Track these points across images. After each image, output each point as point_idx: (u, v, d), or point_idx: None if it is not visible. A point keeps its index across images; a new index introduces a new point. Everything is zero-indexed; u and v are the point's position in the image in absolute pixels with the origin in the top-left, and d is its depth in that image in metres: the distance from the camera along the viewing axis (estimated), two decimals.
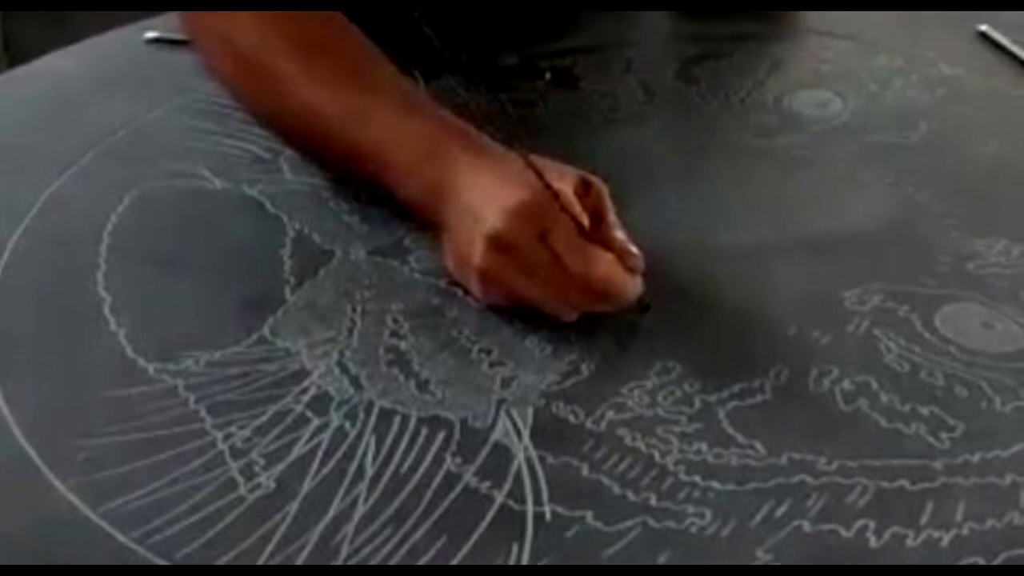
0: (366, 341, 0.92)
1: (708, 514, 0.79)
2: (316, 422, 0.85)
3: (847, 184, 1.11)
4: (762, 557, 0.76)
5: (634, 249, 0.92)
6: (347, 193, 1.08)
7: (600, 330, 0.93)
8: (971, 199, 1.09)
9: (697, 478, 0.81)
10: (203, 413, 0.86)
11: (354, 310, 0.95)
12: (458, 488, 0.81)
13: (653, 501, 0.80)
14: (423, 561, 0.76)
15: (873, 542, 0.77)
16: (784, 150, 1.16)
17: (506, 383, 0.89)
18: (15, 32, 2.37)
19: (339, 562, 0.76)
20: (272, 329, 0.93)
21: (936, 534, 0.77)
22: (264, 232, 1.04)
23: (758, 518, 0.79)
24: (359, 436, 0.84)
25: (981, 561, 0.76)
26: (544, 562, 0.76)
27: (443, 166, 0.98)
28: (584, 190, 0.95)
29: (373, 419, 0.86)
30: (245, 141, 1.15)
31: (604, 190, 0.95)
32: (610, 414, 0.86)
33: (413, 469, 0.82)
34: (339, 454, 0.83)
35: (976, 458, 0.83)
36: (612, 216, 0.94)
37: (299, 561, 0.76)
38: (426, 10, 1.26)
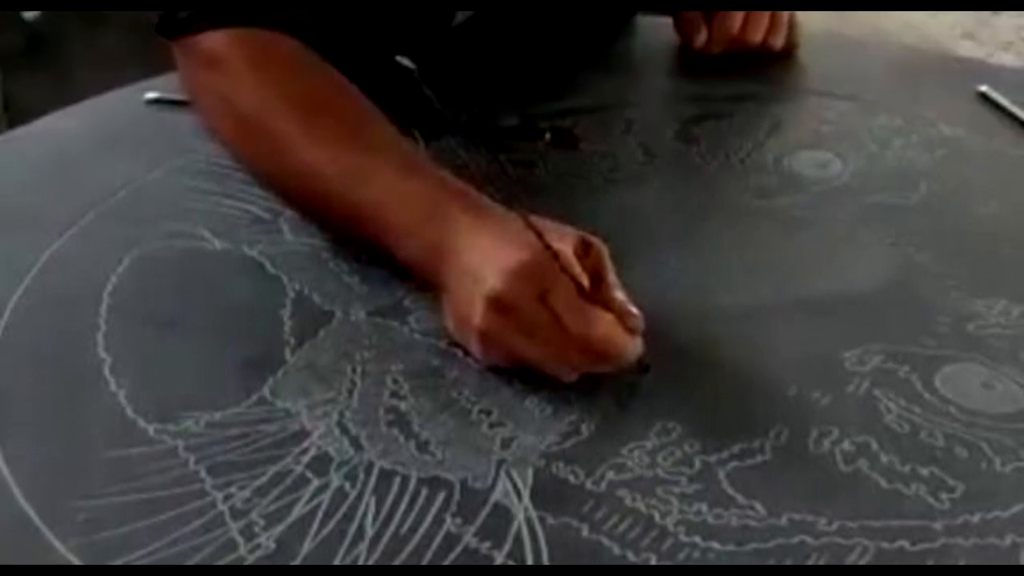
0: (366, 402, 0.94)
1: None
2: (316, 483, 0.86)
3: (847, 245, 1.13)
4: None
5: (634, 309, 0.94)
6: (347, 253, 1.09)
7: (600, 390, 0.94)
8: (971, 260, 1.10)
9: (697, 539, 0.82)
10: (203, 474, 0.87)
11: (354, 371, 0.97)
12: (458, 549, 0.82)
13: (653, 562, 0.81)
14: None
15: None
16: (784, 210, 1.18)
17: (506, 443, 0.90)
18: (16, 92, 2.39)
19: None
20: (272, 389, 0.95)
21: None
22: (264, 292, 1.05)
23: None
24: (359, 497, 0.85)
25: None
26: None
27: (443, 227, 1.00)
28: (584, 250, 0.96)
29: (373, 480, 0.87)
30: (245, 201, 1.16)
31: (604, 250, 0.97)
32: (610, 474, 0.87)
33: (413, 530, 0.83)
34: (339, 515, 0.84)
35: (976, 519, 0.84)
36: (612, 276, 0.96)
37: None
38: (426, 71, 1.28)
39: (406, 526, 0.83)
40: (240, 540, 0.82)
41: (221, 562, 0.80)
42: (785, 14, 1.46)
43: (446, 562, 0.81)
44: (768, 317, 1.03)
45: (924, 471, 0.87)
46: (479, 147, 1.26)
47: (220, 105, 1.15)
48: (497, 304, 0.93)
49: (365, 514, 0.84)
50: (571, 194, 1.19)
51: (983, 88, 1.38)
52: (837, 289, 1.07)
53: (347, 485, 0.86)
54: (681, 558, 0.81)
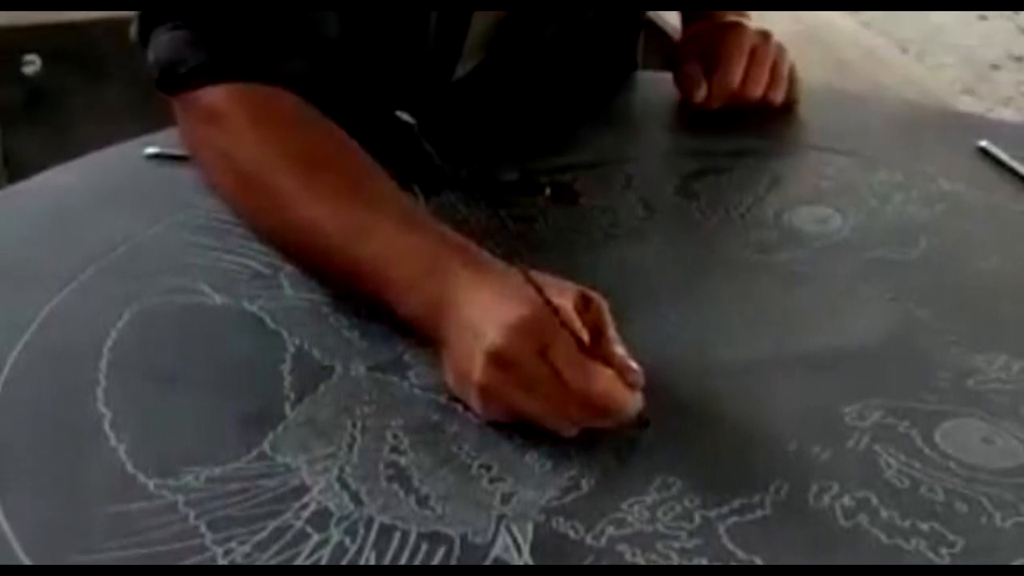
0: (366, 457, 0.95)
1: None
2: (316, 538, 0.87)
3: (847, 300, 1.14)
4: None
5: (634, 365, 0.95)
6: (347, 309, 1.10)
7: (600, 445, 0.95)
8: (971, 315, 1.12)
9: None
10: (203, 529, 0.88)
11: (354, 426, 0.98)
12: None
13: None
14: None
15: None
16: (784, 266, 1.19)
17: (506, 499, 0.91)
18: (15, 146, 2.41)
19: None
20: (272, 445, 0.96)
21: None
22: (264, 348, 1.06)
23: None
24: (359, 552, 0.86)
25: None
26: None
27: (443, 282, 1.01)
28: (584, 306, 0.97)
29: (373, 535, 0.88)
30: (245, 257, 1.18)
31: (604, 306, 0.98)
32: (610, 530, 0.88)
33: None
34: None
35: None
36: (612, 331, 0.97)
37: None
38: (426, 126, 1.29)
39: None
40: None
41: None
42: (785, 69, 1.47)
43: None
44: (768, 372, 1.04)
45: (924, 526, 0.88)
46: (479, 202, 1.27)
47: (220, 160, 1.16)
48: (497, 359, 0.94)
49: None
50: (571, 249, 1.21)
51: (983, 143, 1.39)
52: (837, 344, 1.08)
53: (347, 540, 0.87)
54: None
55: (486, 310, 0.97)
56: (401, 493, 0.91)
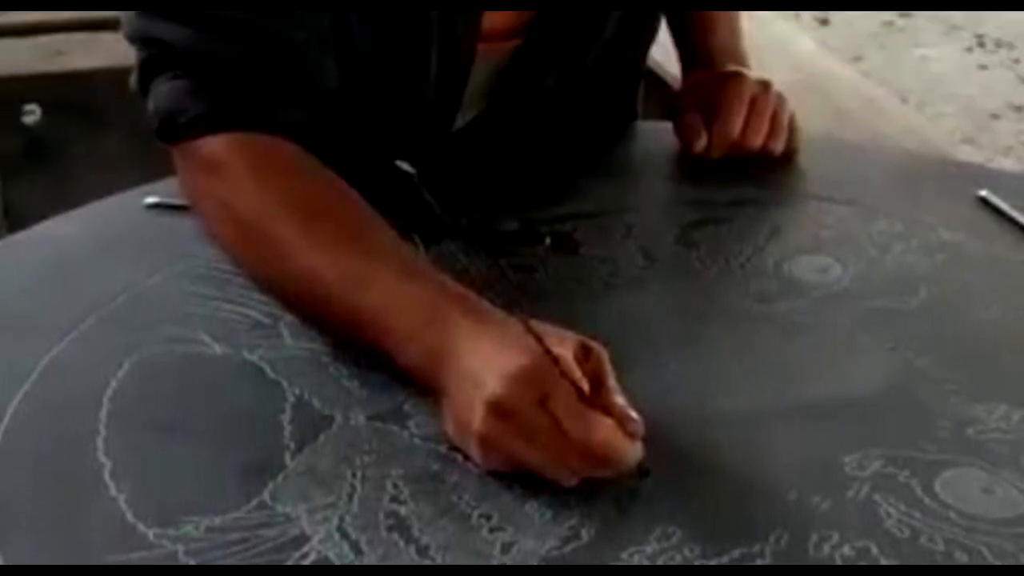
0: (366, 506, 0.95)
1: None
2: None
3: (847, 350, 1.15)
4: None
5: (634, 414, 0.96)
6: (347, 358, 1.11)
7: (600, 495, 0.96)
8: (971, 364, 1.12)
9: None
10: None
11: (354, 475, 0.98)
12: None
13: None
14: None
15: None
16: (784, 315, 1.20)
17: (506, 548, 0.92)
18: (15, 196, 2.42)
19: None
20: (272, 494, 0.96)
21: None
22: (264, 397, 1.07)
23: None
24: None
25: None
26: None
27: (443, 331, 1.02)
28: (584, 355, 0.98)
29: None
30: (245, 306, 1.18)
31: (604, 355, 0.99)
32: None
33: None
34: None
35: None
36: (612, 381, 0.98)
37: None
38: (426, 175, 1.30)
39: None
40: None
41: None
42: (785, 119, 1.48)
43: None
44: (768, 422, 1.05)
45: None
46: (479, 252, 1.28)
47: (220, 209, 1.17)
48: (497, 409, 0.95)
49: None
50: (571, 299, 1.22)
51: (983, 193, 1.40)
52: (837, 394, 1.09)
53: None
54: None
55: (486, 360, 0.98)
56: (401, 543, 0.92)
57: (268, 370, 1.11)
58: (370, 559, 0.90)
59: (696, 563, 0.90)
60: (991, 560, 0.90)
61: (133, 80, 1.22)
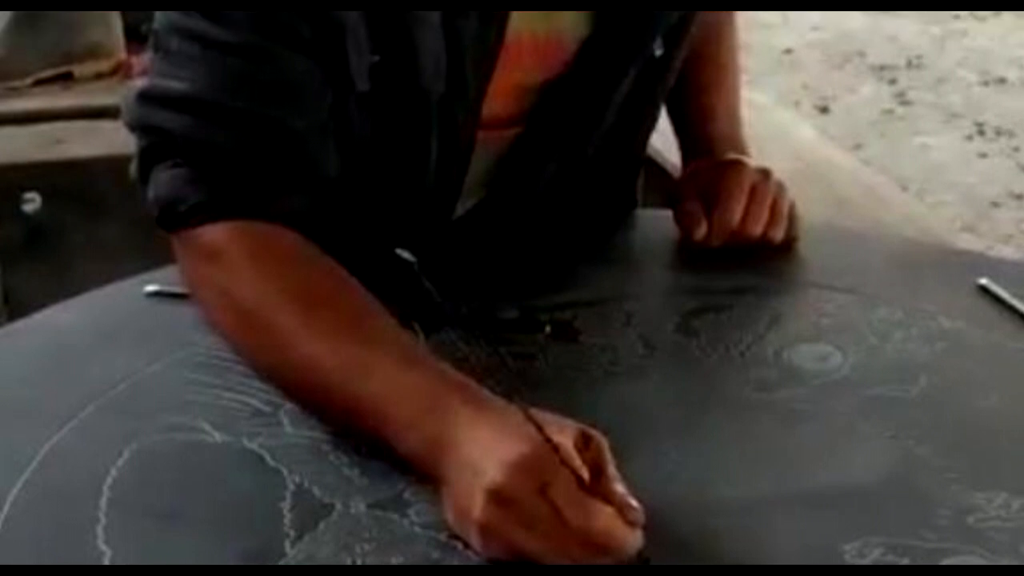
0: None
1: None
2: None
3: (847, 438, 1.16)
4: None
5: (634, 502, 0.96)
6: (347, 446, 1.12)
7: None
8: (971, 453, 1.13)
9: None
10: None
11: (354, 563, 0.99)
12: None
13: None
14: None
15: None
16: (784, 404, 1.21)
17: None
18: (15, 285, 2.43)
19: None
20: None
21: None
22: (264, 485, 1.08)
23: None
24: None
25: None
26: None
27: (443, 420, 1.03)
28: (584, 443, 0.99)
29: None
30: (245, 394, 1.19)
31: (604, 443, 1.00)
32: None
33: None
34: None
35: None
36: (612, 469, 0.99)
37: None
38: (426, 263, 1.31)
39: None
40: None
41: None
42: (785, 207, 1.49)
43: None
44: (768, 510, 1.06)
45: None
46: (479, 340, 1.29)
47: (220, 298, 1.18)
48: (497, 497, 0.96)
49: None
50: (571, 387, 1.23)
51: (983, 281, 1.41)
52: (837, 482, 1.09)
53: None
54: None
55: (486, 448, 0.99)
56: None
57: (268, 458, 1.11)
58: None
59: None
60: None
61: (133, 168, 1.24)
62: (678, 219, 1.51)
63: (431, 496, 1.04)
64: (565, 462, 0.96)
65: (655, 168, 2.03)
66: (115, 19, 2.84)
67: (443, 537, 1.01)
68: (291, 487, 1.08)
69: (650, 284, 1.48)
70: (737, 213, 1.46)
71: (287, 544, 1.01)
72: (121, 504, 1.06)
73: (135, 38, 2.78)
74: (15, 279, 2.43)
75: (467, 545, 1.00)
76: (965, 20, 6.27)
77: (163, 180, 1.20)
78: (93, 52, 2.80)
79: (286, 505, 1.05)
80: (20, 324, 1.37)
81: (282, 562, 0.99)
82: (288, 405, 1.17)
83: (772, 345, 1.30)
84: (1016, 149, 4.81)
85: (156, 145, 1.21)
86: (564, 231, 1.51)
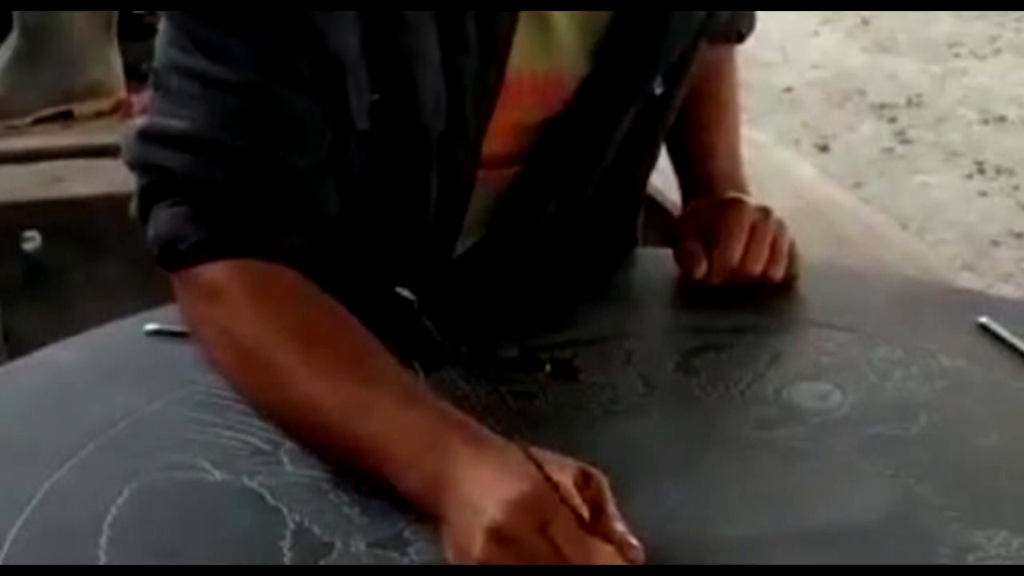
0: None
1: None
2: None
3: (847, 476, 1.16)
4: None
5: (634, 541, 0.97)
6: (347, 484, 1.12)
7: None
8: (971, 491, 1.13)
9: None
10: None
11: None
12: None
13: None
14: None
15: None
16: (784, 442, 1.21)
17: None
18: (15, 323, 2.43)
19: None
20: None
21: None
22: (264, 524, 1.08)
23: None
24: None
25: None
26: None
27: (443, 458, 1.03)
28: (584, 482, 0.99)
29: None
30: (245, 433, 1.20)
31: (604, 482, 1.00)
32: None
33: None
34: None
35: None
36: (612, 508, 0.99)
37: None
38: (426, 302, 1.32)
39: None
40: None
41: None
42: (785, 245, 1.49)
43: None
44: (768, 549, 1.06)
45: None
46: (479, 378, 1.29)
47: (220, 336, 1.19)
48: (497, 535, 0.96)
49: None
50: (571, 425, 1.23)
51: (983, 319, 1.41)
52: (837, 520, 1.10)
53: None
54: None
55: (486, 486, 0.99)
56: None
57: (268, 497, 1.11)
58: None
59: None
60: None
61: (133, 207, 1.24)
62: (678, 257, 1.51)
63: (431, 535, 1.04)
64: (565, 500, 0.96)
65: (655, 206, 2.03)
66: (115, 58, 2.85)
67: None
68: (291, 526, 1.08)
69: (650, 322, 1.48)
70: (737, 252, 1.46)
71: None
72: (121, 542, 1.06)
73: (135, 77, 2.78)
74: (15, 317, 2.43)
75: None
76: (965, 59, 6.29)
77: (163, 219, 1.21)
78: (93, 90, 2.80)
79: (286, 544, 1.06)
80: (20, 362, 1.37)
81: None
82: (288, 444, 1.17)
83: (772, 383, 1.31)
84: (1016, 188, 4.81)
85: (156, 184, 1.22)
86: (564, 269, 1.51)
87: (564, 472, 0.99)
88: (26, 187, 2.56)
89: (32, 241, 2.46)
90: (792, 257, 1.50)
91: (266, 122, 1.21)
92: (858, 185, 4.73)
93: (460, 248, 1.44)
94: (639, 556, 0.96)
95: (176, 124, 1.20)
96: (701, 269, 1.47)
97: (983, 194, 4.79)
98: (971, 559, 1.04)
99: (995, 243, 4.35)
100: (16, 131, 2.75)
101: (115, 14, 2.84)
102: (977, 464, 1.18)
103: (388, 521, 1.08)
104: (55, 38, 2.76)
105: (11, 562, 1.03)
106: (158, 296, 1.33)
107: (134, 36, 2.87)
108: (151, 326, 1.38)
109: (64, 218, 2.49)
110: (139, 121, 1.24)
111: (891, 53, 6.34)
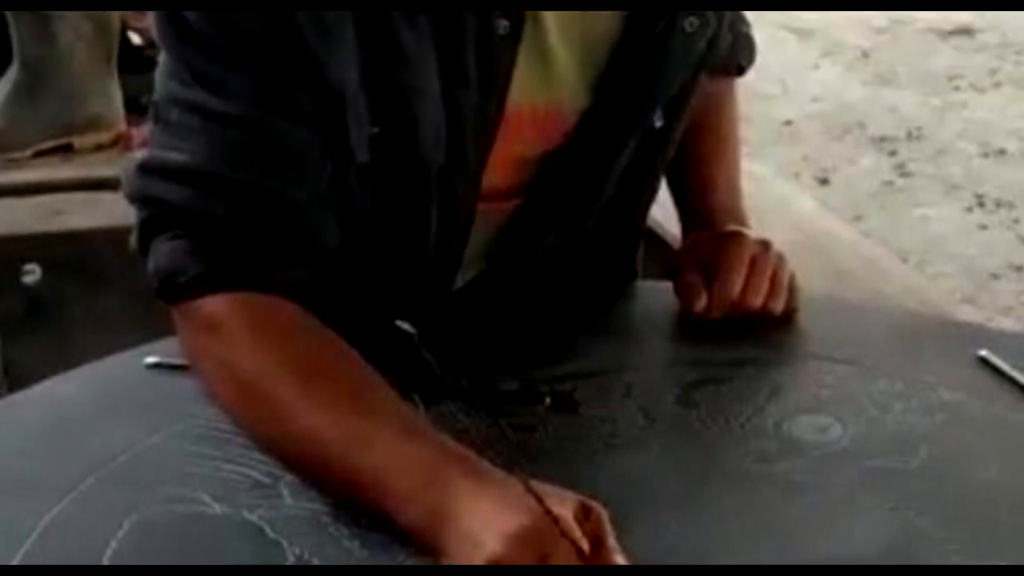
0: None
1: None
2: None
3: (847, 509, 1.16)
4: None
5: None
6: (347, 518, 1.12)
7: None
8: (971, 524, 1.14)
9: None
10: None
11: None
12: None
13: None
14: None
15: None
16: (784, 475, 1.21)
17: None
18: (15, 356, 2.43)
19: None
20: None
21: None
22: (264, 558, 1.08)
23: None
24: None
25: None
26: None
27: (443, 492, 1.03)
28: (584, 515, 1.00)
29: None
30: (245, 466, 1.20)
31: (604, 515, 1.00)
32: None
33: None
34: None
35: None
36: (612, 541, 0.99)
37: None
38: (426, 335, 1.32)
39: None
40: None
41: None
42: (785, 278, 1.49)
43: None
44: None
45: None
46: (479, 411, 1.29)
47: (219, 369, 1.19)
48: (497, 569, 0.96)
49: None
50: (571, 458, 1.23)
51: (983, 353, 1.41)
52: (837, 553, 1.10)
53: None
54: None
55: (486, 520, 0.99)
56: None
57: (268, 530, 1.12)
58: None
59: None
60: None
61: (133, 240, 1.24)
62: (678, 290, 1.51)
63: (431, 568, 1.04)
64: (565, 534, 0.96)
65: (655, 239, 2.04)
66: (115, 91, 2.86)
67: None
68: (291, 559, 1.08)
69: (650, 356, 1.48)
70: (737, 285, 1.46)
71: None
72: None
73: (135, 110, 2.79)
74: (15, 351, 2.44)
75: None
76: (965, 92, 6.30)
77: (163, 252, 1.21)
78: (93, 124, 2.81)
79: None
80: (20, 396, 1.37)
81: None
82: (288, 477, 1.17)
83: (772, 416, 1.31)
84: (1016, 221, 4.82)
85: (156, 217, 1.22)
86: (564, 303, 1.51)
87: (564, 505, 0.99)
88: (26, 220, 2.57)
89: (32, 274, 2.47)
90: (792, 290, 1.50)
91: (266, 155, 1.21)
92: (858, 218, 4.74)
93: (460, 281, 1.45)
94: None
95: (176, 157, 1.20)
96: (701, 302, 1.47)
97: (983, 227, 4.80)
98: None
99: (995, 276, 4.35)
100: (16, 164, 2.76)
101: (115, 47, 2.85)
102: (977, 497, 1.18)
103: (388, 554, 1.08)
104: (55, 71, 2.77)
105: None
106: (158, 329, 1.33)
107: (134, 69, 2.88)
108: (151, 359, 1.39)
109: (64, 251, 2.50)
110: (139, 154, 1.24)
111: (891, 86, 6.36)
